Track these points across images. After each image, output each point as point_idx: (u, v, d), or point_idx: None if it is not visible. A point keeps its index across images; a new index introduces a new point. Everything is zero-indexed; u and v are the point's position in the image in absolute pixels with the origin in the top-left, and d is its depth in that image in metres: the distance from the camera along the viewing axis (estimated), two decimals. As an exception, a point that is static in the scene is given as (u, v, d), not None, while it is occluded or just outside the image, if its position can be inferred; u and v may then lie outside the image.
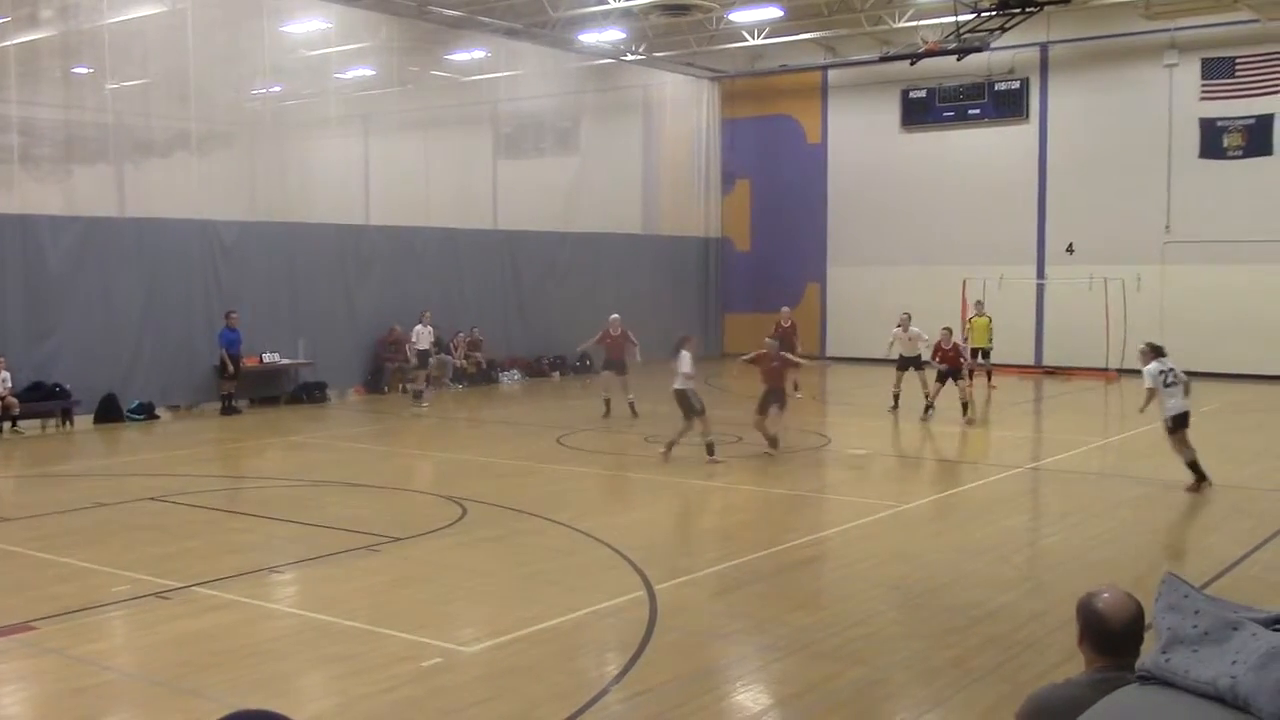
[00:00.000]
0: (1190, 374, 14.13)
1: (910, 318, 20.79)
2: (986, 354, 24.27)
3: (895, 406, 20.18)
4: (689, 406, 15.32)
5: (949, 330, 20.04)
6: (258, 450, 17.68)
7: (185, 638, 7.92)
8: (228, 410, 20.57)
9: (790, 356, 17.31)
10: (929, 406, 19.57)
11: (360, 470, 15.12)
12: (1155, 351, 13.53)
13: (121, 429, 19.14)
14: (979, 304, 24.94)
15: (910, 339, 20.45)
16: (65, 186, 20.41)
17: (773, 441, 15.87)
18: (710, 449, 15.26)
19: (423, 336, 22.21)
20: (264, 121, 24.35)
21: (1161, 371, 13.37)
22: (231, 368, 20.47)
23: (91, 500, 12.78)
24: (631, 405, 20.19)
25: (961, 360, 19.87)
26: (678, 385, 15.42)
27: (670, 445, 15.50)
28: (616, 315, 21.02)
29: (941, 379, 19.50)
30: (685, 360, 15.46)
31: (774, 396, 16.00)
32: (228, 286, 21.32)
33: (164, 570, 9.57)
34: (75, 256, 19.40)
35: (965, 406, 19.37)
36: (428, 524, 11.46)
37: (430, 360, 22.69)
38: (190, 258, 20.90)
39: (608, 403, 20.36)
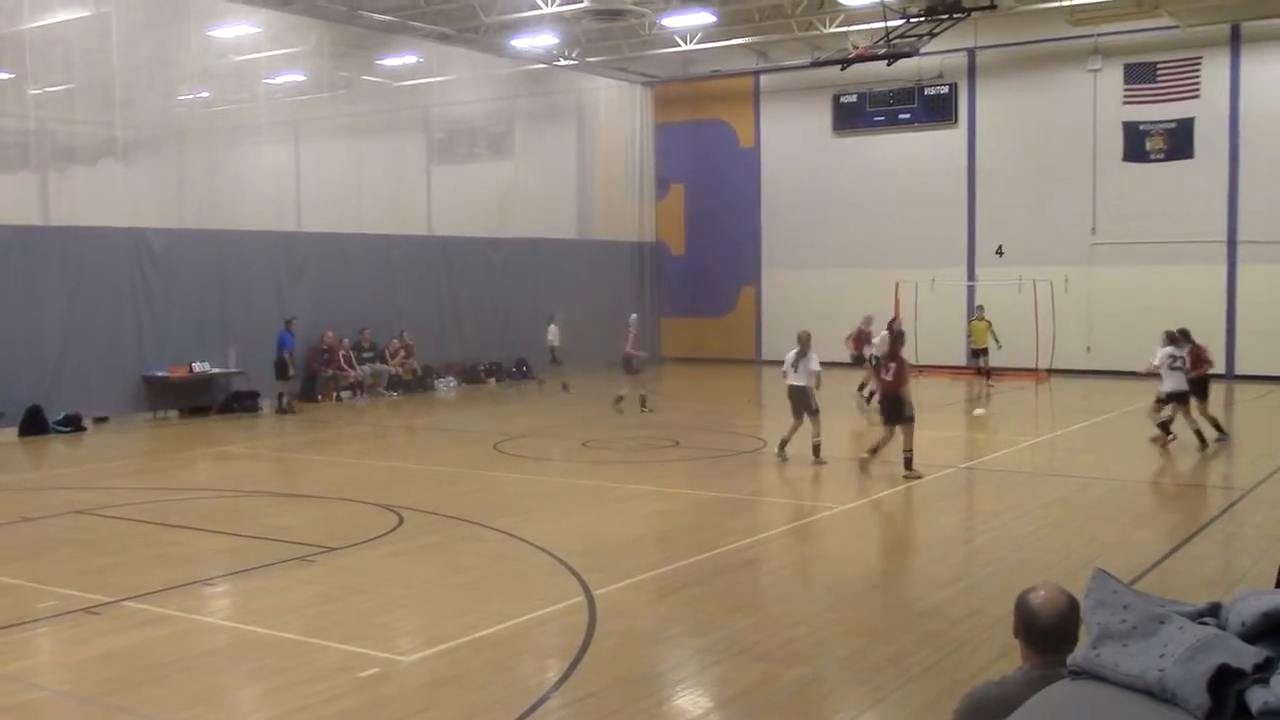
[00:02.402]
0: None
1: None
2: (982, 354, 24.92)
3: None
4: (807, 404, 15.21)
5: (1185, 332, 16.66)
6: (188, 461, 17.39)
7: (116, 653, 7.77)
8: (283, 410, 21.95)
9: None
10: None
11: (294, 480, 14.94)
12: (1171, 339, 16.28)
13: (47, 441, 18.74)
14: (980, 308, 25.55)
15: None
16: (-14, 194, 20.00)
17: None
18: (816, 450, 15.14)
19: (554, 335, 24.87)
20: (192, 127, 23.96)
21: (1173, 355, 16.02)
22: (292, 369, 22.16)
23: (17, 515, 12.49)
24: (621, 400, 21.53)
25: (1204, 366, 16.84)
26: (800, 382, 15.23)
27: (784, 444, 15.53)
28: (635, 315, 22.88)
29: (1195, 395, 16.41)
30: (814, 359, 15.28)
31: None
32: (156, 295, 20.98)
33: (93, 585, 9.39)
34: (-3, 266, 18.97)
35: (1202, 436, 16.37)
36: (364, 533, 11.35)
37: (556, 355, 25.20)
38: (117, 266, 20.51)
39: (621, 399, 21.52)
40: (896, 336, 15.19)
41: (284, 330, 22.12)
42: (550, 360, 25.50)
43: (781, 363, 15.94)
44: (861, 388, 21.85)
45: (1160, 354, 16.15)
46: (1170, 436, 16.13)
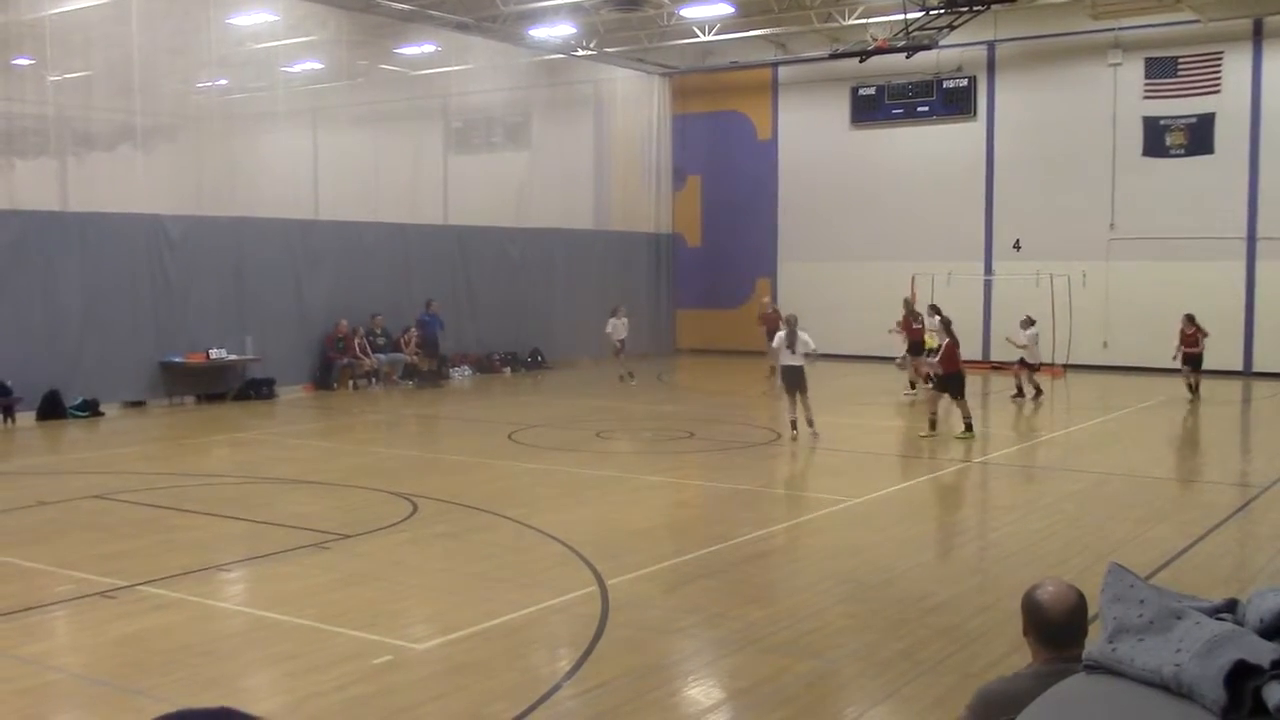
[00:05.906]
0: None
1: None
2: None
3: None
4: (801, 384, 16.25)
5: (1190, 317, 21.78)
6: (204, 447, 17.47)
7: (131, 637, 7.81)
8: (424, 382, 24.51)
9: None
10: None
11: (309, 467, 15.00)
12: (1030, 322, 21.56)
13: (65, 426, 18.85)
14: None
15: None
16: (6, 180, 20.04)
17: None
18: (810, 423, 16.52)
19: (619, 328, 25.63)
20: (210, 115, 24.01)
21: (1036, 335, 21.44)
22: (440, 345, 24.78)
23: (34, 499, 12.58)
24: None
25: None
26: (795, 362, 16.26)
27: (795, 424, 16.58)
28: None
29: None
30: (807, 339, 16.31)
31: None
32: (174, 282, 21.05)
33: (109, 569, 9.44)
34: (16, 252, 19.02)
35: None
36: (378, 521, 11.39)
37: (622, 347, 25.81)
38: (135, 253, 20.58)
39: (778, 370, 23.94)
40: (946, 322, 17.25)
41: (425, 312, 24.49)
42: (614, 353, 25.71)
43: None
44: (913, 385, 21.78)
45: (1027, 333, 21.31)
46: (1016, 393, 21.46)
